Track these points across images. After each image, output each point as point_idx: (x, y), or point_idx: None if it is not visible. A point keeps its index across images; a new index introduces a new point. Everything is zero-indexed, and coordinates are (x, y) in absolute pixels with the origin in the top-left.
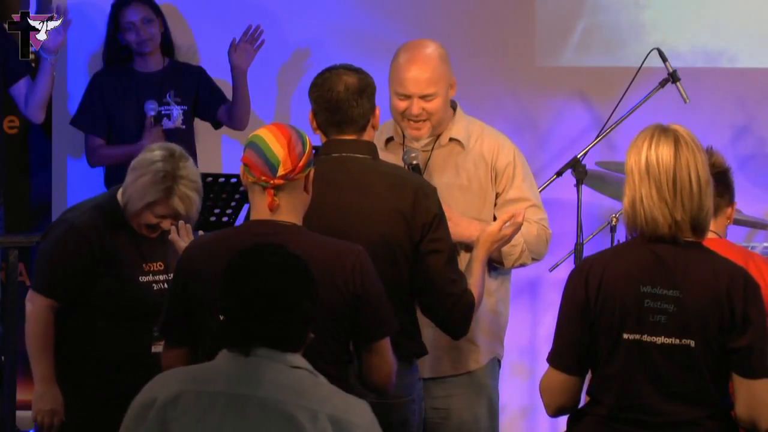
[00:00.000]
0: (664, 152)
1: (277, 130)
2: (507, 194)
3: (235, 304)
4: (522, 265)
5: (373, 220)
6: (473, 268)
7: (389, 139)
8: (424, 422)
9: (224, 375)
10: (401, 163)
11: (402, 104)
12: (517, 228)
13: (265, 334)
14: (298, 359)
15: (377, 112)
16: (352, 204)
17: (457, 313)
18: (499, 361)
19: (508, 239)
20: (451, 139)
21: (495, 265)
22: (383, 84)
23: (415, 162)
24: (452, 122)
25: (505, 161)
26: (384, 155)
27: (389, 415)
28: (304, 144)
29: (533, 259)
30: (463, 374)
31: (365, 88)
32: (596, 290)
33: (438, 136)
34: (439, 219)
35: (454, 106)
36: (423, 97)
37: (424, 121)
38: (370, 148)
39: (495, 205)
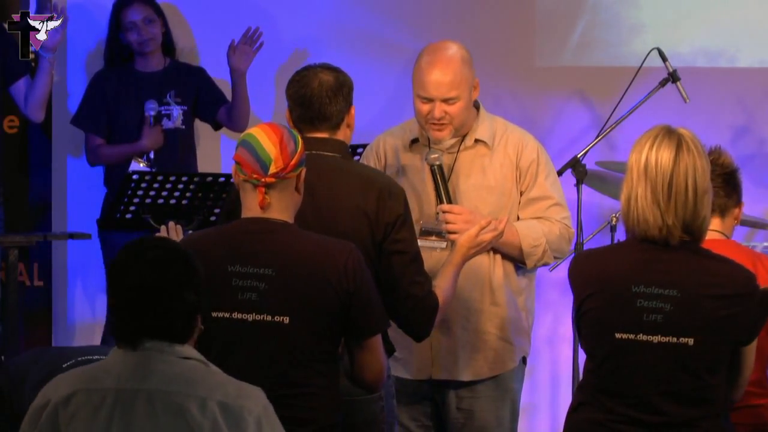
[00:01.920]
0: (664, 155)
1: (270, 129)
2: (530, 193)
3: (119, 299)
4: (545, 265)
5: (338, 218)
6: (444, 272)
7: (414, 141)
8: (448, 422)
9: (114, 371)
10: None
11: (424, 107)
12: (498, 235)
13: (151, 327)
14: (189, 350)
15: (353, 111)
16: (319, 202)
17: (419, 315)
18: (525, 360)
19: (486, 245)
20: (476, 141)
21: (519, 265)
22: (382, 83)
23: (437, 163)
24: (476, 123)
25: (528, 159)
26: (409, 156)
27: (355, 414)
28: (296, 143)
29: (556, 258)
30: (491, 376)
31: (341, 87)
32: (589, 287)
33: (463, 138)
34: (403, 219)
35: (477, 106)
36: (445, 101)
37: (446, 124)
38: (341, 147)
39: (519, 203)
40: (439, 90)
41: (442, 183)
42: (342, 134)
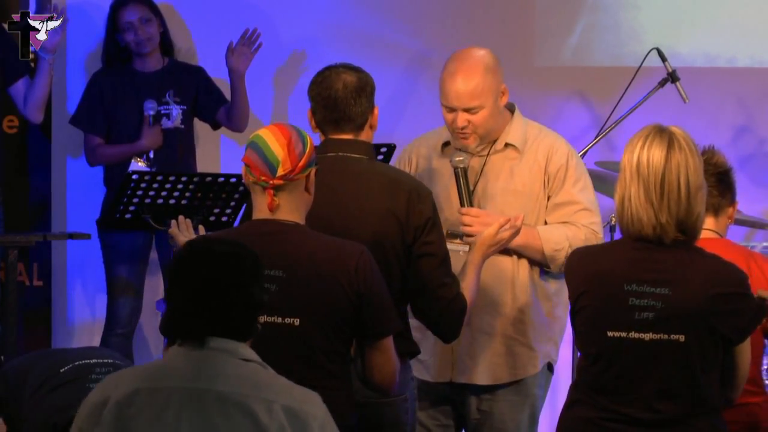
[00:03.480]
0: (655, 154)
1: (278, 130)
2: (556, 198)
3: (185, 295)
4: None
5: (366, 220)
6: (467, 272)
7: (446, 144)
8: (468, 422)
9: (178, 370)
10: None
11: (449, 116)
12: (516, 232)
13: (216, 323)
14: (249, 352)
15: (376, 111)
16: (346, 204)
17: (448, 317)
18: (551, 366)
19: (505, 243)
20: (506, 144)
21: (546, 270)
22: (381, 83)
23: (461, 166)
24: (509, 126)
25: (557, 165)
26: (440, 160)
27: (381, 415)
28: (304, 144)
29: None
30: (513, 381)
31: (364, 87)
32: (583, 284)
33: (494, 141)
34: (432, 222)
35: (512, 109)
36: (467, 110)
37: (470, 133)
38: (367, 148)
39: (546, 208)
40: (460, 100)
41: (465, 185)
42: (365, 135)
